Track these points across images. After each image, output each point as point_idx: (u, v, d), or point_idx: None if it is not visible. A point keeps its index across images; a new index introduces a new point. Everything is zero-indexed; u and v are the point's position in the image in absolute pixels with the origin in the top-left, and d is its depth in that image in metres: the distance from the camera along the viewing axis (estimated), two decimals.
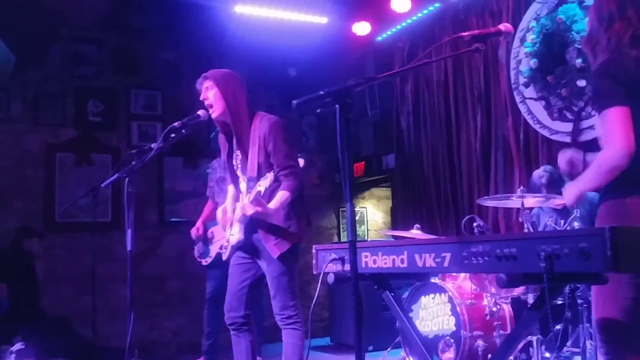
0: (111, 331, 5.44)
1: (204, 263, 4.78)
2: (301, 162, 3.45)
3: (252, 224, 3.24)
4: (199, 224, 4.83)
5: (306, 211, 3.48)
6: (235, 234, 3.27)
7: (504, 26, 2.20)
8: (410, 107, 6.54)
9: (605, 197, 2.22)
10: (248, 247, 3.32)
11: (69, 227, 6.12)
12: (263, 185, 3.04)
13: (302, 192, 3.38)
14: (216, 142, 3.64)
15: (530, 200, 3.80)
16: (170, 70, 6.73)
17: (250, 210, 3.09)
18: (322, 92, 1.94)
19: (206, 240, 4.79)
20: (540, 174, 4.22)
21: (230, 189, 3.47)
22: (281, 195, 3.16)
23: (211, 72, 3.33)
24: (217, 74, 3.32)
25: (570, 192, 2.30)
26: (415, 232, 4.49)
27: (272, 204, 3.14)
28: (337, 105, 1.92)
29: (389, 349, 4.74)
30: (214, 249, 4.65)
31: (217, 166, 4.84)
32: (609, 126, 2.13)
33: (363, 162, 7.38)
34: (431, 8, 6.09)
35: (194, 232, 4.80)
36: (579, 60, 4.54)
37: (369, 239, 7.86)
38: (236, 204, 3.33)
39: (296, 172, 3.22)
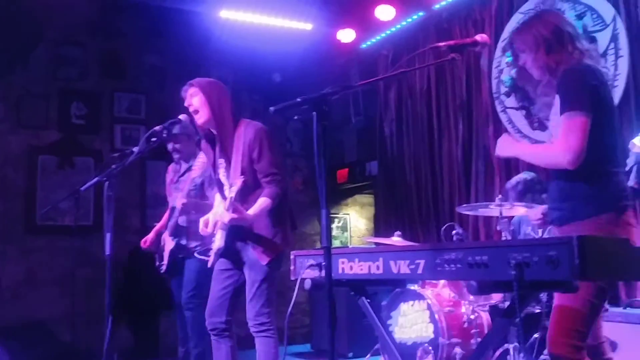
0: (90, 335, 5.41)
1: (162, 270, 4.71)
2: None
3: (237, 231, 3.25)
4: (151, 234, 4.75)
5: (292, 217, 3.48)
6: (217, 241, 3.28)
7: (480, 37, 2.24)
8: (393, 114, 6.59)
9: (580, 216, 2.23)
10: (232, 254, 3.32)
11: (49, 230, 6.07)
12: (234, 190, 3.06)
13: (287, 198, 3.39)
14: (199, 146, 3.64)
15: (508, 209, 3.84)
16: (155, 74, 6.72)
17: (226, 218, 3.10)
18: (299, 100, 1.96)
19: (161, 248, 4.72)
20: (513, 183, 4.25)
21: (217, 197, 3.48)
22: (262, 202, 3.17)
23: (197, 80, 3.36)
24: (202, 81, 3.35)
25: (507, 147, 2.42)
26: (396, 239, 4.52)
27: (252, 210, 3.15)
28: (314, 113, 1.94)
29: (368, 356, 4.76)
30: (165, 256, 4.61)
31: (172, 170, 4.82)
32: (575, 130, 2.18)
33: (347, 169, 7.41)
34: (415, 17, 6.15)
35: (142, 244, 4.74)
36: None
37: (351, 246, 7.88)
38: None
39: (279, 179, 3.23)
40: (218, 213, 3.25)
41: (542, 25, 2.37)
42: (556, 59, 2.33)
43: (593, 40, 4.59)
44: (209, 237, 4.51)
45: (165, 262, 4.56)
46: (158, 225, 4.77)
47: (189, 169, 4.61)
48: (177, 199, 4.48)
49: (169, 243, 4.54)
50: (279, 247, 3.23)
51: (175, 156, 4.63)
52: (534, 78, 2.46)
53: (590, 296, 2.15)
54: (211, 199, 4.51)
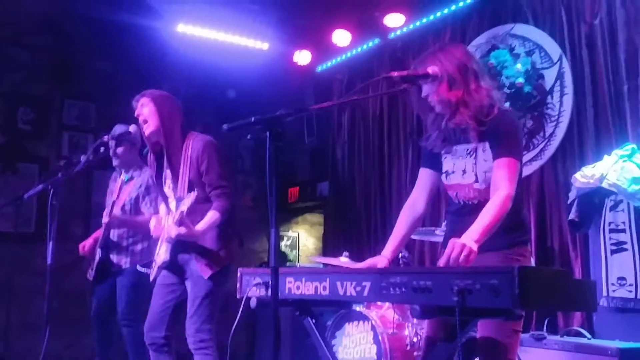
0: (25, 346, 5.24)
1: (89, 278, 4.60)
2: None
3: (181, 245, 3.21)
4: (89, 240, 4.61)
5: (239, 233, 3.47)
6: (161, 254, 3.24)
7: (431, 69, 2.30)
8: (346, 137, 6.67)
9: (501, 246, 2.33)
10: (175, 268, 3.28)
11: None
12: (186, 204, 3.04)
13: (234, 213, 3.38)
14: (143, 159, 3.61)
15: None
16: (106, 83, 6.61)
17: (174, 232, 3.08)
18: (253, 119, 1.98)
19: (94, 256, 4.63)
20: None
21: (162, 207, 3.45)
22: (210, 216, 3.16)
23: (149, 91, 3.35)
24: (154, 92, 3.34)
25: (473, 246, 2.13)
26: (344, 260, 4.55)
27: (200, 225, 3.13)
28: (267, 133, 1.96)
29: None
30: (93, 266, 4.52)
31: (112, 180, 4.74)
32: (515, 173, 2.30)
33: (298, 188, 7.43)
34: (370, 44, 6.26)
35: (80, 248, 4.63)
36: (507, 104, 4.75)
37: (299, 264, 7.88)
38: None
39: (227, 192, 3.23)
40: (166, 227, 3.22)
41: (448, 59, 2.37)
42: (457, 95, 2.35)
43: (541, 77, 4.77)
44: (141, 251, 4.47)
45: (92, 272, 4.47)
46: (97, 232, 4.66)
47: (129, 180, 4.53)
48: (104, 214, 4.40)
49: (98, 254, 4.44)
50: (223, 261, 3.21)
51: (115, 162, 4.48)
52: (431, 111, 2.48)
53: (517, 326, 2.29)
54: (146, 213, 4.45)
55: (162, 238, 3.27)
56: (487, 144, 2.37)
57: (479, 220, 2.18)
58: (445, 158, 2.51)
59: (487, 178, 2.35)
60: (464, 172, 2.43)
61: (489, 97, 2.39)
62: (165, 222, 3.24)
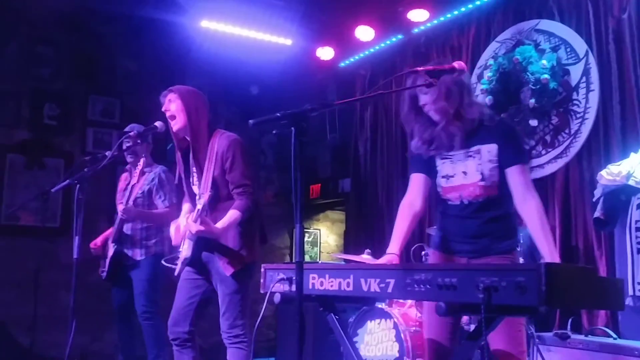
0: (50, 340, 5.31)
1: (102, 276, 4.65)
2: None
3: (204, 242, 3.23)
4: (99, 238, 4.68)
5: (263, 230, 3.47)
6: (184, 250, 3.26)
7: (457, 64, 2.29)
8: (368, 133, 6.65)
9: (501, 250, 2.54)
10: (200, 265, 3.30)
11: (14, 230, 5.97)
12: (201, 202, 3.06)
13: (258, 210, 3.38)
14: (172, 154, 3.63)
15: None
16: (130, 79, 6.68)
17: (193, 229, 3.09)
18: (279, 114, 1.98)
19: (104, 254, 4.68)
20: None
21: (185, 206, 3.46)
22: (231, 215, 3.16)
23: (177, 87, 3.35)
24: (182, 88, 3.35)
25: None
26: (366, 257, 4.54)
27: (220, 223, 3.14)
28: (292, 128, 1.96)
29: None
30: (106, 263, 4.56)
31: (123, 179, 4.78)
32: (530, 178, 2.57)
33: (319, 184, 7.43)
34: (394, 39, 6.23)
35: (91, 246, 4.64)
36: (532, 100, 4.70)
37: (320, 261, 7.89)
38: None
39: (250, 191, 3.22)
40: (187, 223, 3.23)
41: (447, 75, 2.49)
42: (453, 106, 2.52)
43: (566, 73, 4.71)
44: (154, 244, 4.52)
45: (105, 268, 4.51)
46: (108, 231, 4.71)
47: (141, 175, 4.57)
48: (119, 207, 4.44)
49: (110, 250, 4.48)
50: (244, 260, 3.21)
51: (130, 158, 4.53)
52: (418, 121, 2.64)
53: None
54: (160, 206, 4.49)
55: (185, 234, 3.29)
56: (493, 146, 2.50)
57: (543, 239, 2.38)
58: (443, 163, 2.62)
59: (491, 176, 2.50)
60: (465, 173, 2.55)
61: (480, 113, 2.55)
62: (189, 219, 3.25)
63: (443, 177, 2.61)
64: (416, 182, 2.72)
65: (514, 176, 2.48)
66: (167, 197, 4.53)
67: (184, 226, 3.26)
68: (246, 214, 3.19)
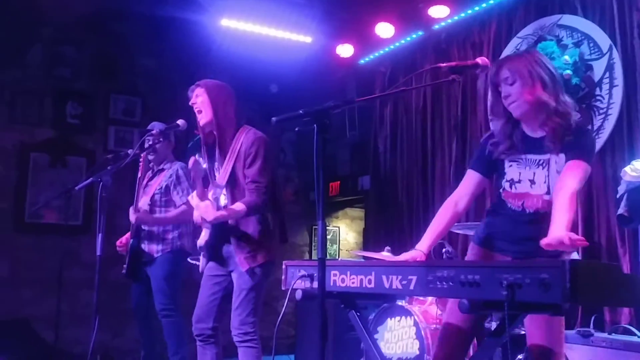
0: (74, 336, 5.38)
1: (123, 272, 4.67)
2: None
3: (223, 235, 3.26)
4: (126, 235, 4.65)
5: (284, 229, 3.47)
6: (201, 238, 3.29)
7: (481, 60, 2.27)
8: (388, 131, 6.63)
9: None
10: (221, 260, 3.32)
11: (38, 228, 6.05)
12: (217, 193, 3.09)
13: (280, 210, 3.40)
14: (193, 151, 3.64)
15: None
16: (151, 78, 6.74)
17: (210, 216, 3.10)
18: (301, 111, 1.99)
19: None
20: None
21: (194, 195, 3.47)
22: (236, 206, 3.16)
23: (204, 81, 3.37)
24: (210, 82, 3.37)
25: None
26: (386, 254, 4.53)
27: (226, 211, 3.16)
28: (315, 125, 1.96)
29: None
30: (127, 260, 4.59)
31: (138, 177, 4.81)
32: (584, 176, 2.30)
33: (339, 182, 7.44)
34: (414, 35, 6.20)
35: (118, 244, 4.64)
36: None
37: (339, 259, 7.89)
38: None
39: (262, 190, 3.21)
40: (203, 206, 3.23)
41: (536, 63, 2.36)
42: (553, 99, 2.34)
43: (589, 68, 4.66)
44: (172, 240, 4.54)
45: (125, 265, 4.55)
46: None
47: (159, 172, 4.60)
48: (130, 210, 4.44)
49: (130, 246, 4.52)
50: (263, 257, 3.23)
51: (151, 156, 4.55)
52: (503, 116, 2.46)
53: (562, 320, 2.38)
54: (178, 202, 4.52)
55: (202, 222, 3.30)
56: (562, 156, 2.33)
57: (561, 217, 2.14)
58: (510, 166, 2.45)
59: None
60: (533, 182, 2.39)
61: (573, 111, 2.37)
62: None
63: (507, 181, 2.44)
64: (470, 180, 2.57)
65: (570, 167, 2.28)
66: (185, 194, 4.56)
67: (197, 215, 3.24)
68: (251, 211, 3.17)
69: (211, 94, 3.29)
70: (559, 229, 2.09)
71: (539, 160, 2.39)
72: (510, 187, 2.44)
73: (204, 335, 3.31)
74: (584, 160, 2.28)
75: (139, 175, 4.45)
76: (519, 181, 2.41)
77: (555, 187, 2.30)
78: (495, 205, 2.55)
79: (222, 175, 3.26)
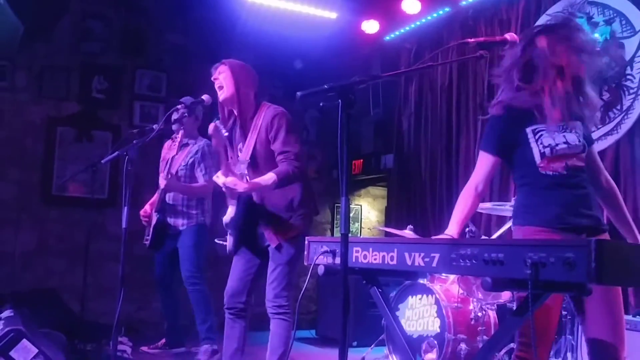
0: (99, 307, 5.48)
1: (146, 244, 4.72)
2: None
3: (251, 210, 3.28)
4: (147, 206, 4.73)
5: (314, 201, 3.49)
6: (227, 215, 3.32)
7: (509, 35, 2.24)
8: (412, 108, 6.58)
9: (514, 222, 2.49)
10: (252, 236, 3.36)
11: (64, 200, 6.15)
12: (241, 168, 3.12)
13: (309, 182, 3.42)
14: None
15: None
16: (177, 53, 6.75)
17: (240, 187, 3.10)
18: (326, 87, 1.97)
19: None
20: None
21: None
22: (268, 176, 3.13)
23: (229, 60, 3.40)
24: (234, 62, 3.40)
25: None
26: (408, 233, 4.53)
27: (258, 179, 3.15)
28: (339, 101, 1.95)
29: (372, 346, 4.79)
30: (150, 231, 4.64)
31: (166, 147, 4.83)
32: None
33: (362, 160, 7.42)
34: (441, 12, 6.12)
35: (142, 214, 4.69)
36: None
37: (361, 237, 7.90)
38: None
39: (291, 158, 3.21)
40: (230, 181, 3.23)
41: (577, 31, 2.39)
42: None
43: (621, 46, 4.56)
44: (196, 215, 4.59)
45: (149, 237, 4.61)
46: (153, 197, 4.78)
47: (185, 145, 4.63)
48: (160, 179, 4.52)
49: (154, 219, 4.58)
50: (295, 230, 3.25)
51: (175, 126, 4.52)
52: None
53: None
54: (200, 179, 4.56)
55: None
56: (577, 123, 2.40)
57: (626, 217, 2.57)
58: (540, 135, 2.38)
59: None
60: (567, 143, 2.35)
61: None
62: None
63: (547, 147, 2.36)
64: (486, 164, 2.50)
65: (594, 155, 2.51)
66: (208, 171, 4.59)
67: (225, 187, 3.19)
68: (283, 180, 3.15)
69: (234, 71, 3.31)
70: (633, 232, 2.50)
71: (565, 125, 2.37)
72: (552, 152, 2.36)
73: (236, 309, 3.35)
74: (594, 143, 2.54)
75: (173, 143, 4.52)
76: (557, 144, 2.36)
77: (599, 184, 2.51)
78: (537, 183, 2.42)
79: (245, 151, 3.28)
